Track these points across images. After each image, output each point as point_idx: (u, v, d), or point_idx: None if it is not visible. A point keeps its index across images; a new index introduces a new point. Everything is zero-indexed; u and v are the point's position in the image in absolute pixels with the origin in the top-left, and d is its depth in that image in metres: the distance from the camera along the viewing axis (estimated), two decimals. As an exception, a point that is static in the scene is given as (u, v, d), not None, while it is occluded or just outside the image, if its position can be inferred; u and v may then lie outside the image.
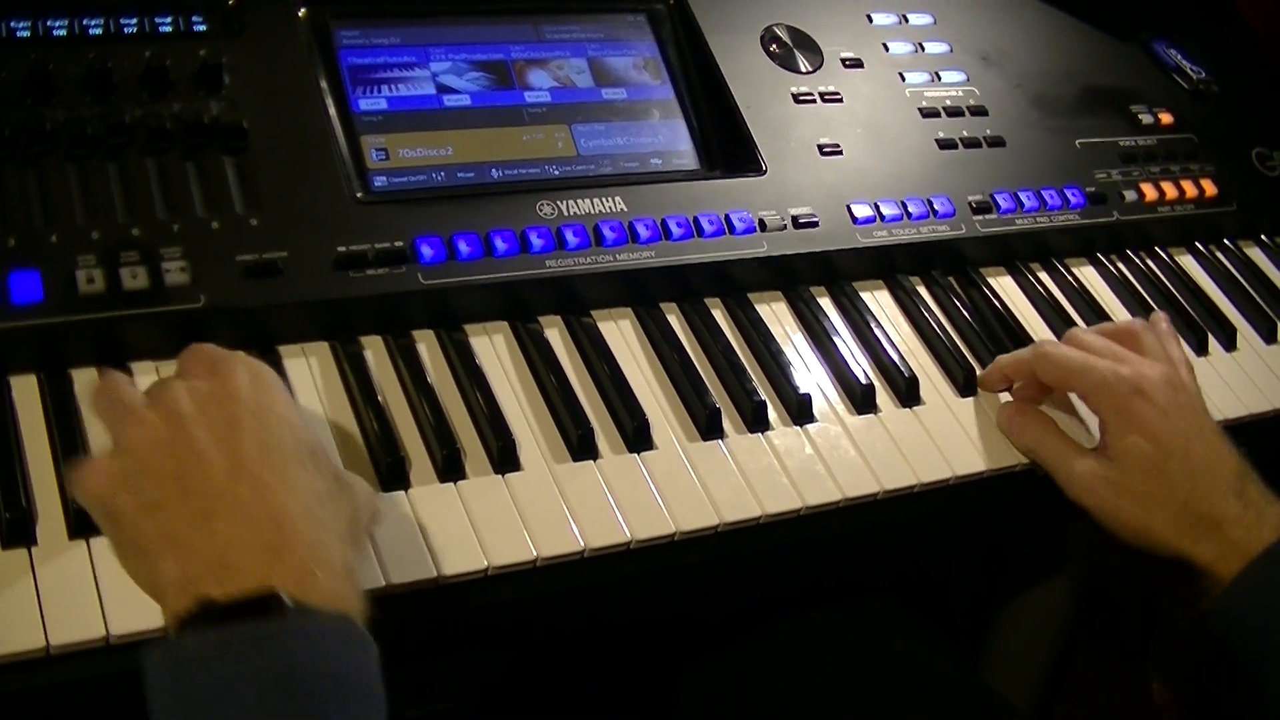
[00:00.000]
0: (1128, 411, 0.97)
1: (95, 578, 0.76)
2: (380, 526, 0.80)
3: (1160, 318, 1.11)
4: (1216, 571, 0.94)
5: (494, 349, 0.98)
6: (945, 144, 1.22)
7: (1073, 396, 1.06)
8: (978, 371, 1.09)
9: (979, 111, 1.27)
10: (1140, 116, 1.36)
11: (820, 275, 1.13)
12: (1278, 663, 0.91)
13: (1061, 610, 1.51)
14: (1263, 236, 1.39)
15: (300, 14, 1.05)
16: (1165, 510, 0.95)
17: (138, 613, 0.74)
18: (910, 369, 1.06)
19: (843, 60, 1.25)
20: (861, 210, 1.13)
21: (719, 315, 1.07)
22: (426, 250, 0.96)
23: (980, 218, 1.19)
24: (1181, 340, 1.10)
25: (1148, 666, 1.47)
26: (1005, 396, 1.08)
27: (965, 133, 1.24)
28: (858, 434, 1.00)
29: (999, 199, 1.20)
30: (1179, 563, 0.96)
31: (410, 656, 0.83)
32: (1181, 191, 1.31)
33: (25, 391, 0.85)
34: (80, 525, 0.78)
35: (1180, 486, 0.95)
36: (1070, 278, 1.24)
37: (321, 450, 0.75)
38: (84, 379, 0.87)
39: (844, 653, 1.15)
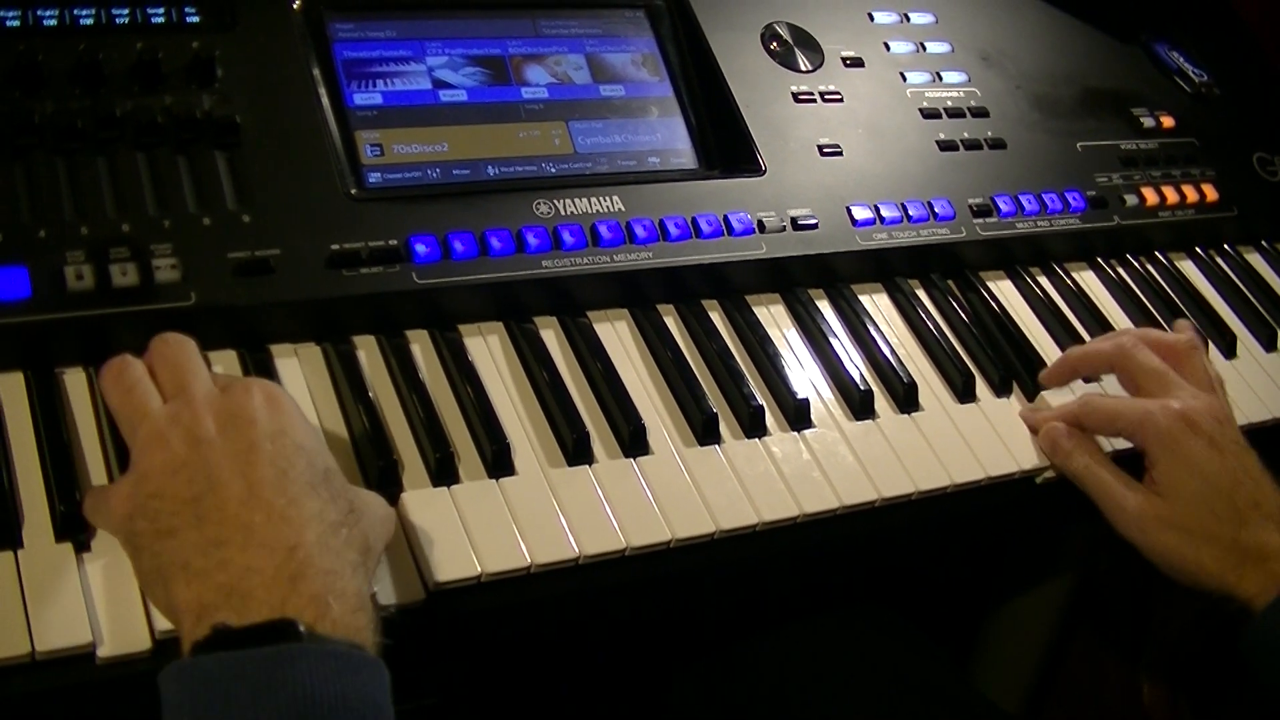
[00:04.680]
0: (1176, 446, 0.97)
1: (81, 582, 0.74)
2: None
3: (1187, 324, 1.10)
4: (1256, 605, 0.93)
5: (488, 350, 0.97)
6: (946, 145, 1.21)
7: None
8: (976, 377, 1.08)
9: (980, 113, 1.26)
10: (1141, 119, 1.35)
11: (819, 278, 1.12)
12: None
13: (1052, 616, 1.51)
14: (1263, 242, 1.38)
15: (294, 6, 1.03)
16: (1214, 546, 0.95)
17: (121, 616, 0.73)
18: (909, 374, 1.05)
19: (843, 59, 1.24)
20: (861, 212, 1.12)
21: (716, 318, 1.06)
22: (421, 249, 0.95)
23: (980, 221, 1.18)
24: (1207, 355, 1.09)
25: (1138, 670, 1.47)
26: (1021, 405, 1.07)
27: (966, 134, 1.23)
28: (856, 440, 0.99)
29: (999, 202, 1.19)
30: (1222, 596, 0.95)
31: (399, 662, 0.83)
32: (1182, 196, 1.30)
33: (11, 390, 0.83)
34: (67, 528, 0.77)
35: (1229, 523, 0.95)
36: (1070, 282, 1.23)
37: (336, 473, 0.75)
38: (72, 377, 0.85)
39: (835, 659, 1.14)
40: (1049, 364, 1.11)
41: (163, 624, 0.73)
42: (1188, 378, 1.02)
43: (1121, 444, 1.03)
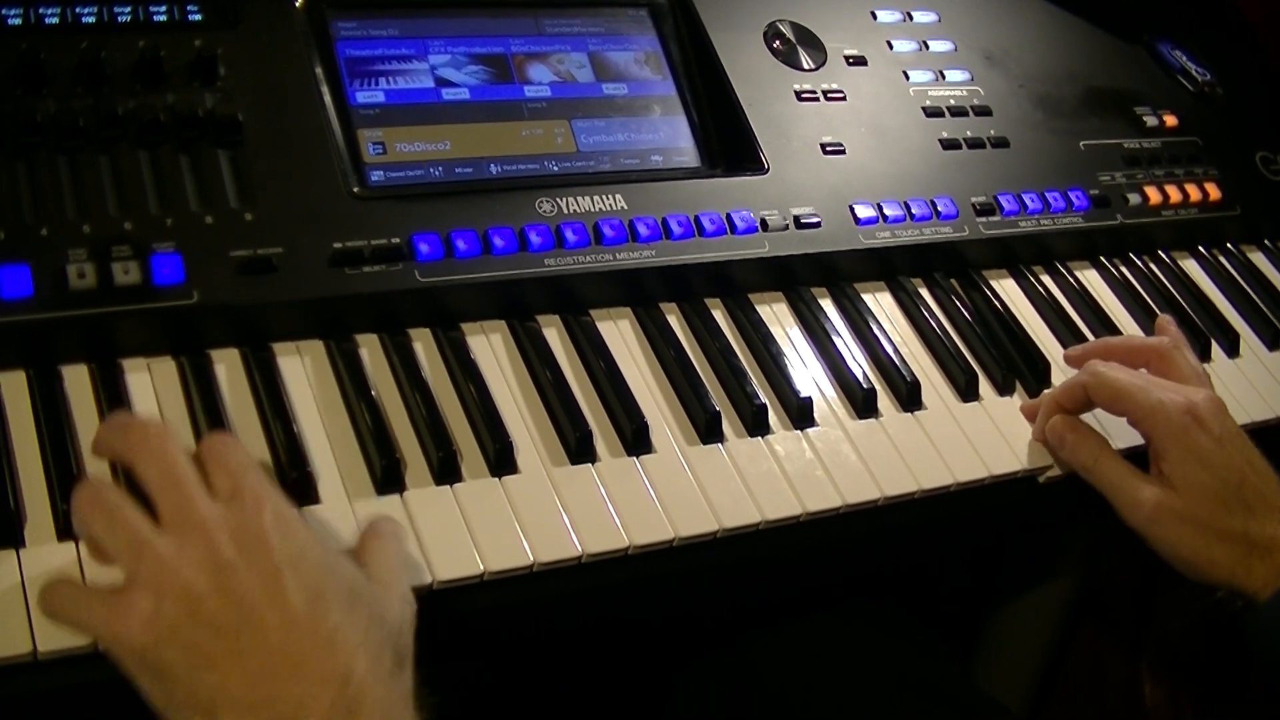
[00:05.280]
0: (1186, 441, 0.96)
1: (83, 581, 0.74)
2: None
3: (1167, 320, 1.10)
4: (1261, 597, 0.94)
5: (491, 349, 0.97)
6: (949, 144, 1.21)
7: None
8: (979, 376, 1.08)
9: (983, 112, 1.26)
10: (1144, 118, 1.35)
11: (822, 276, 1.12)
12: None
13: (1054, 615, 1.51)
14: (1266, 241, 1.38)
15: (297, 5, 1.03)
16: (1225, 540, 0.95)
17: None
18: (912, 373, 1.05)
19: (846, 58, 1.24)
20: (864, 211, 1.12)
21: (719, 316, 1.06)
22: (424, 247, 0.95)
23: (983, 219, 1.17)
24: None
25: (1140, 669, 1.47)
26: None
27: (969, 133, 1.23)
28: (859, 439, 0.99)
29: (1002, 201, 1.19)
30: (1228, 590, 0.95)
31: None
32: (1185, 195, 1.30)
33: (13, 389, 0.83)
34: (69, 527, 0.76)
35: (1239, 516, 0.95)
36: (1073, 281, 1.23)
37: (363, 585, 0.72)
38: (74, 376, 0.85)
39: (838, 657, 1.14)
40: (1052, 363, 1.11)
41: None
42: (1173, 377, 1.02)
43: (1122, 440, 1.03)
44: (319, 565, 0.70)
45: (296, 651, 0.66)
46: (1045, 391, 1.07)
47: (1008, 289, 1.20)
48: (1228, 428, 0.98)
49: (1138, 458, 1.00)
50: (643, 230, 1.02)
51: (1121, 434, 1.03)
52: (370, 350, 0.94)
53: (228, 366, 0.89)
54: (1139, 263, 1.28)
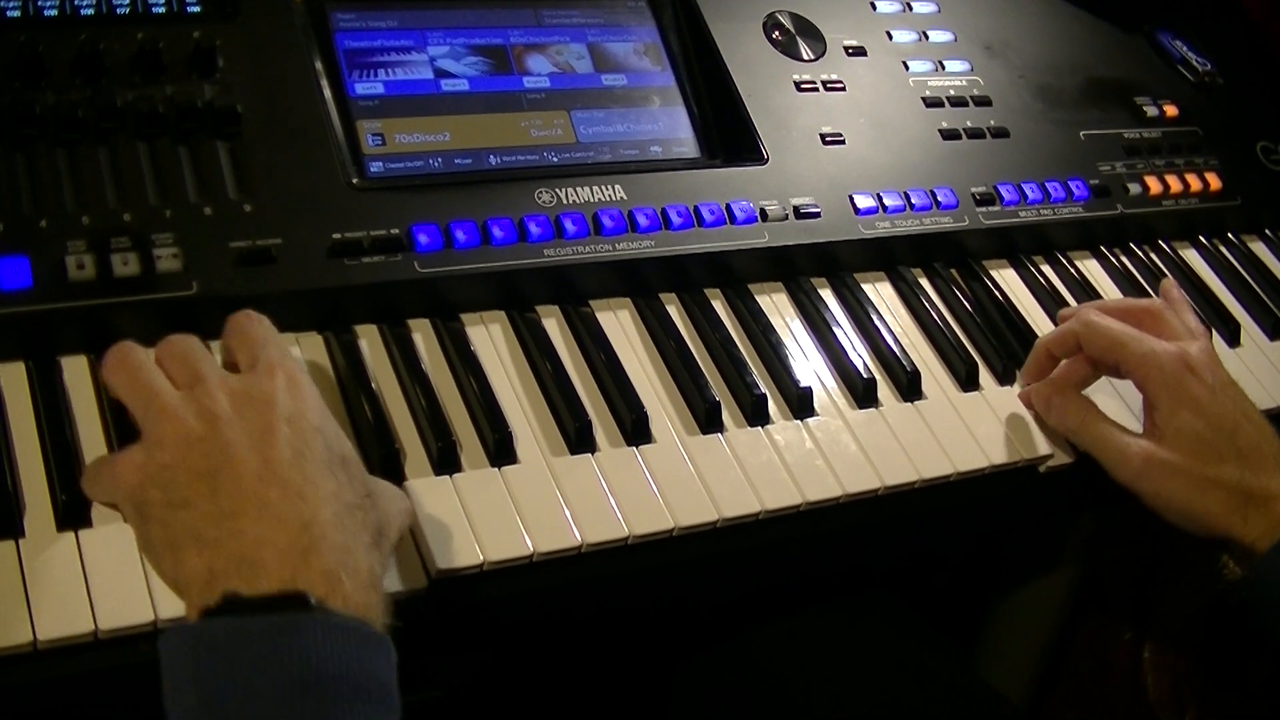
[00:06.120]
0: (1178, 389, 0.96)
1: (84, 570, 0.74)
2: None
3: (1171, 284, 1.10)
4: (1259, 548, 0.93)
5: (491, 339, 0.97)
6: (949, 134, 1.21)
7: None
8: (979, 365, 1.08)
9: (983, 102, 1.26)
10: (1145, 108, 1.35)
11: (821, 266, 1.12)
12: None
13: (1056, 606, 1.50)
14: (1266, 231, 1.38)
15: (295, -3, 1.03)
16: (1219, 490, 0.94)
17: (126, 606, 0.73)
18: (912, 363, 1.05)
19: (846, 48, 1.24)
20: (864, 201, 1.12)
21: (719, 306, 1.06)
22: (423, 238, 0.95)
23: (983, 209, 1.17)
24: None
25: (1142, 660, 1.47)
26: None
27: (969, 123, 1.23)
28: (859, 428, 0.99)
29: (1002, 191, 1.19)
30: (1222, 541, 0.95)
31: (403, 653, 0.82)
32: (1185, 185, 1.30)
33: (13, 380, 0.83)
34: (68, 517, 0.77)
35: (1232, 465, 0.94)
36: (1073, 271, 1.23)
37: (354, 461, 0.75)
38: (73, 367, 0.85)
39: (840, 649, 1.14)
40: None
41: (165, 613, 0.73)
42: (1165, 336, 1.01)
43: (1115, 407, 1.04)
44: (312, 427, 0.73)
45: (265, 495, 0.68)
46: (1038, 339, 1.06)
47: (1008, 279, 1.20)
48: (1220, 377, 0.97)
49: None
50: (642, 220, 1.02)
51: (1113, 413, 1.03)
52: (369, 341, 0.94)
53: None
54: (1139, 252, 1.28)
